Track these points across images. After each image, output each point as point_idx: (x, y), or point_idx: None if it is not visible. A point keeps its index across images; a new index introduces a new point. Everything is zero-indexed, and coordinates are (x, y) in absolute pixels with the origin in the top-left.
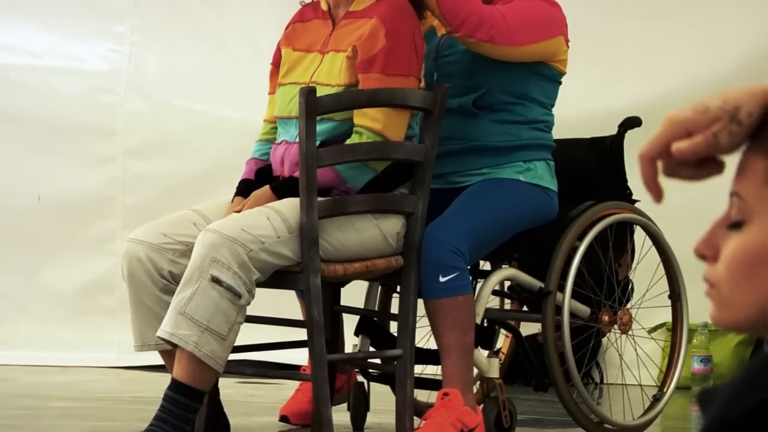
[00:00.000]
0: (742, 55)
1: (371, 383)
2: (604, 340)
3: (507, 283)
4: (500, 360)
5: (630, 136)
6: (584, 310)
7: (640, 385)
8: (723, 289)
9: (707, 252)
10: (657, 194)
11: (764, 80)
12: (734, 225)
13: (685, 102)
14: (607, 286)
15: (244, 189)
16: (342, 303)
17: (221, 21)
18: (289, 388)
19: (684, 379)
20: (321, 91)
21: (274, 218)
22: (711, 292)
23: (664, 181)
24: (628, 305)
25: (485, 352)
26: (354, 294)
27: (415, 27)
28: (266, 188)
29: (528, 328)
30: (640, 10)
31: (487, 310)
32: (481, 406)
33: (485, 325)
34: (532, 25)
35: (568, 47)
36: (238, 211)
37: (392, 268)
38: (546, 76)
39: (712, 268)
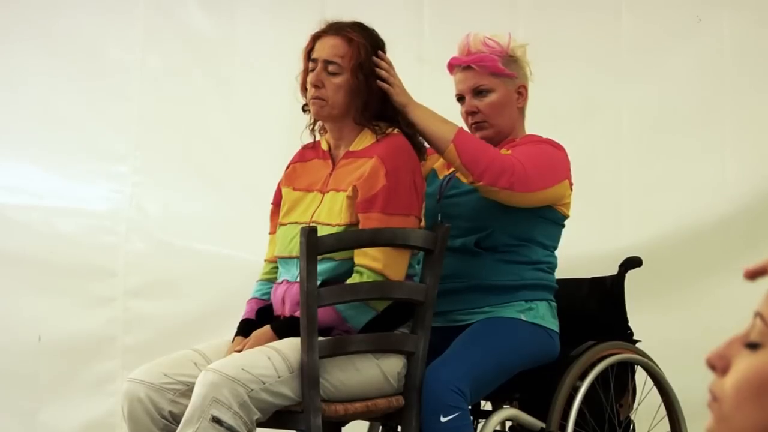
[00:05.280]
0: (742, 196)
1: None
2: None
3: (508, 423)
4: None
5: (630, 276)
6: None
7: None
8: (725, 406)
9: (718, 364)
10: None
11: (766, 221)
12: (752, 345)
13: (685, 242)
14: (608, 427)
15: (245, 328)
16: None
17: (222, 161)
18: None
19: None
20: (321, 231)
21: (275, 358)
22: (713, 404)
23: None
24: None
25: None
26: None
27: (415, 166)
28: (267, 328)
29: None
30: (640, 151)
31: None
32: None
33: None
34: (545, 170)
35: (572, 190)
36: (239, 351)
37: (393, 407)
38: (550, 219)
39: (719, 381)
